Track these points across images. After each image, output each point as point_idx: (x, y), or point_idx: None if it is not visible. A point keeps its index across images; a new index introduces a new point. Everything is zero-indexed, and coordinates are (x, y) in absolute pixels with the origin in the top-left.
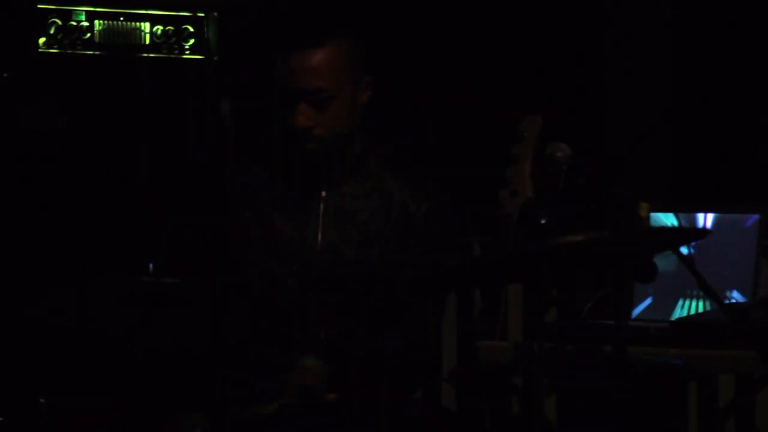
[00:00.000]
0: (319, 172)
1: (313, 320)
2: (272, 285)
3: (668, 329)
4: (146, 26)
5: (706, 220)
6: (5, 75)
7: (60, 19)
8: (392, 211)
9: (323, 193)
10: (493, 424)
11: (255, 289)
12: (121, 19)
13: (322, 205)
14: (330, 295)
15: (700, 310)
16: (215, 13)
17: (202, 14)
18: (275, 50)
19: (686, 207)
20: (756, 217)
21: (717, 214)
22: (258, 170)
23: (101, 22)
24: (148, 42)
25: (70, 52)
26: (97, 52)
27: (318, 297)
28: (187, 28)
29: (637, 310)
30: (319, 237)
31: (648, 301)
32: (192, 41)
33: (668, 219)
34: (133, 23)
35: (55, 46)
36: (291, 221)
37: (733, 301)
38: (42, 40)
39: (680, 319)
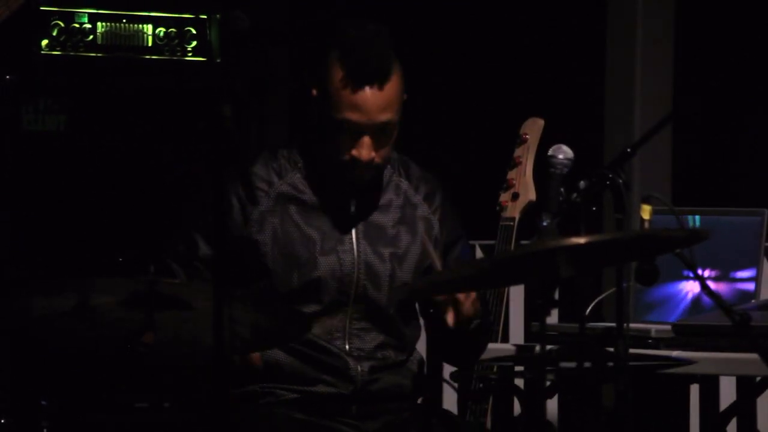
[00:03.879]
0: (352, 188)
1: (341, 333)
2: (304, 299)
3: (670, 332)
4: (149, 28)
5: (708, 221)
6: (8, 77)
7: (62, 21)
8: (418, 225)
9: (352, 207)
10: (495, 426)
11: (287, 300)
12: (124, 21)
13: (353, 219)
14: (361, 309)
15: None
16: (218, 15)
17: (205, 16)
18: (335, 74)
19: (688, 209)
20: (759, 218)
21: (720, 216)
22: (286, 183)
23: (104, 24)
24: (150, 44)
25: (72, 54)
26: (100, 55)
27: (349, 311)
28: (189, 30)
29: None
30: (355, 253)
31: None
32: (194, 43)
33: (670, 221)
34: (135, 25)
35: (58, 49)
36: (325, 236)
37: (737, 303)
38: (44, 42)
39: (682, 322)
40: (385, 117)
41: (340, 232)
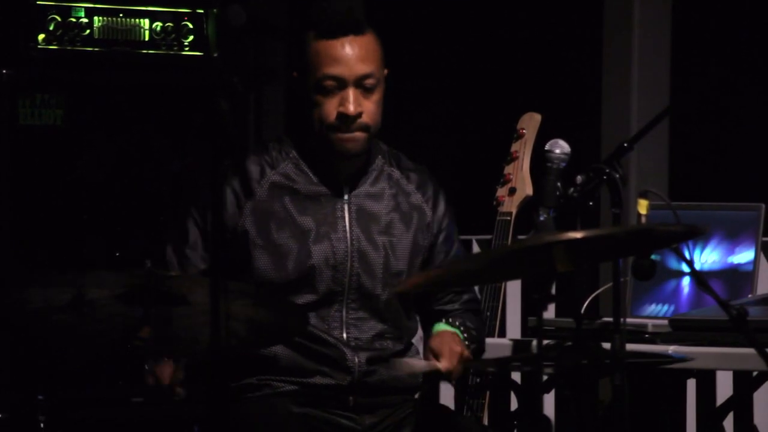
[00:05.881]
0: (342, 170)
1: (338, 323)
2: (299, 289)
3: (667, 326)
4: (145, 23)
5: (705, 216)
6: (4, 72)
7: (59, 16)
8: (411, 213)
9: (345, 195)
10: (492, 420)
11: (282, 290)
12: (121, 15)
13: (346, 207)
14: (356, 298)
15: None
16: (215, 10)
17: (202, 11)
18: (310, 41)
19: (685, 203)
20: (756, 213)
21: (717, 210)
22: (278, 174)
23: (100, 18)
24: (147, 38)
25: (69, 48)
26: (97, 49)
27: (345, 301)
28: (186, 25)
29: None
30: (348, 240)
31: None
32: (191, 38)
33: (667, 216)
34: (132, 20)
35: (55, 43)
36: (318, 225)
37: (733, 298)
38: (41, 36)
39: (679, 317)
40: (364, 68)
41: (333, 219)
